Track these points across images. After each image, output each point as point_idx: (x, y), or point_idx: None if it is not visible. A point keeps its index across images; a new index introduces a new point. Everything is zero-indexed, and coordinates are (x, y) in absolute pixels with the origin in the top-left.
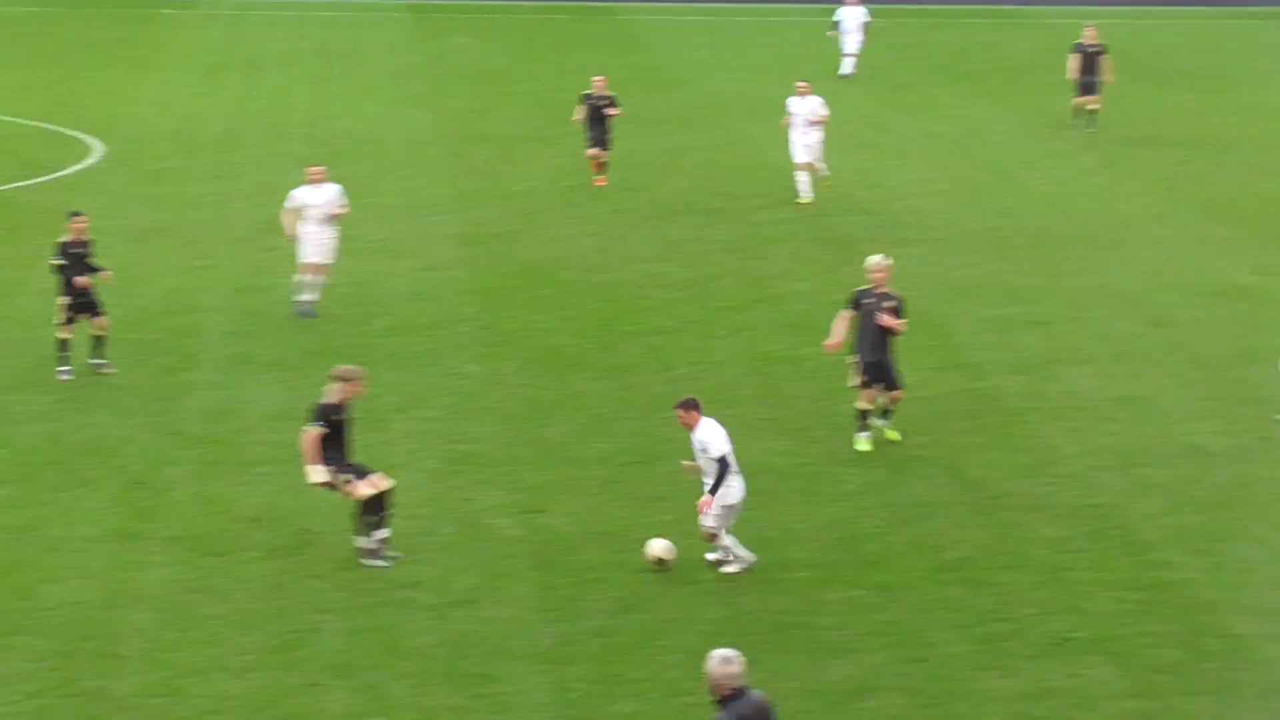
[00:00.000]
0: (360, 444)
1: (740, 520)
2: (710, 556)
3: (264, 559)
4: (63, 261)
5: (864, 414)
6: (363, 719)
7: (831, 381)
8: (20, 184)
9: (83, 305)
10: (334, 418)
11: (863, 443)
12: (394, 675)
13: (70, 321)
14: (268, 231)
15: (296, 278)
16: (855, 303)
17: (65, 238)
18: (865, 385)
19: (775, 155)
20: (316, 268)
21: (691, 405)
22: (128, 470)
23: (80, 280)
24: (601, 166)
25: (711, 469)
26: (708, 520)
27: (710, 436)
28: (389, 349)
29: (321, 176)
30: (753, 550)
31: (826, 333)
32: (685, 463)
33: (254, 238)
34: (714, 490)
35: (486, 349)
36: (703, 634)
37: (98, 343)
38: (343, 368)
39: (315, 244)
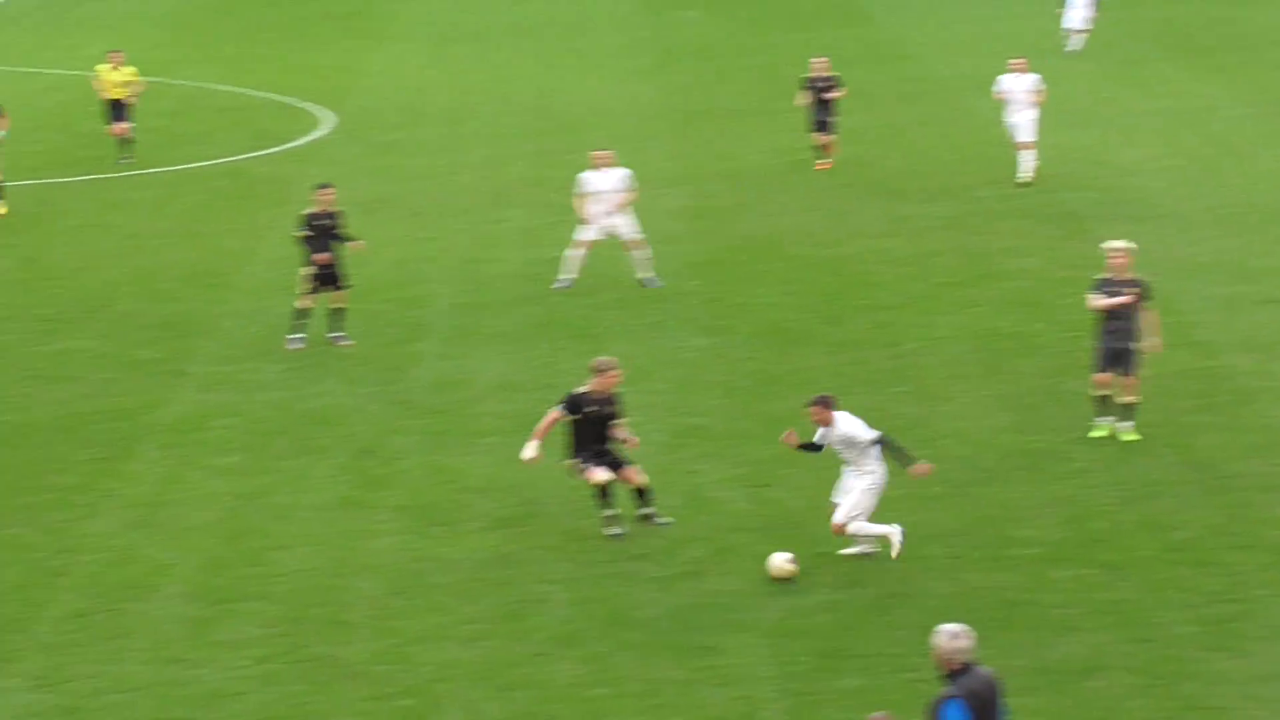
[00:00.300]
0: None
1: (966, 498)
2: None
3: (491, 529)
4: (307, 232)
5: (1102, 399)
6: (588, 689)
7: (1059, 359)
8: (252, 155)
9: (326, 277)
10: (585, 409)
11: (1100, 429)
12: (619, 646)
13: (313, 292)
14: (495, 204)
15: (568, 252)
16: (1098, 290)
17: (311, 209)
18: (1102, 369)
19: (1001, 131)
20: (589, 247)
21: (828, 403)
22: (356, 439)
23: (320, 255)
24: (826, 149)
25: (866, 456)
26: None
27: (854, 427)
28: (615, 322)
29: (608, 161)
30: (980, 528)
31: (1054, 309)
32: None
33: (481, 209)
34: (907, 464)
35: (712, 323)
36: (929, 610)
37: (335, 315)
38: (597, 359)
39: (600, 226)
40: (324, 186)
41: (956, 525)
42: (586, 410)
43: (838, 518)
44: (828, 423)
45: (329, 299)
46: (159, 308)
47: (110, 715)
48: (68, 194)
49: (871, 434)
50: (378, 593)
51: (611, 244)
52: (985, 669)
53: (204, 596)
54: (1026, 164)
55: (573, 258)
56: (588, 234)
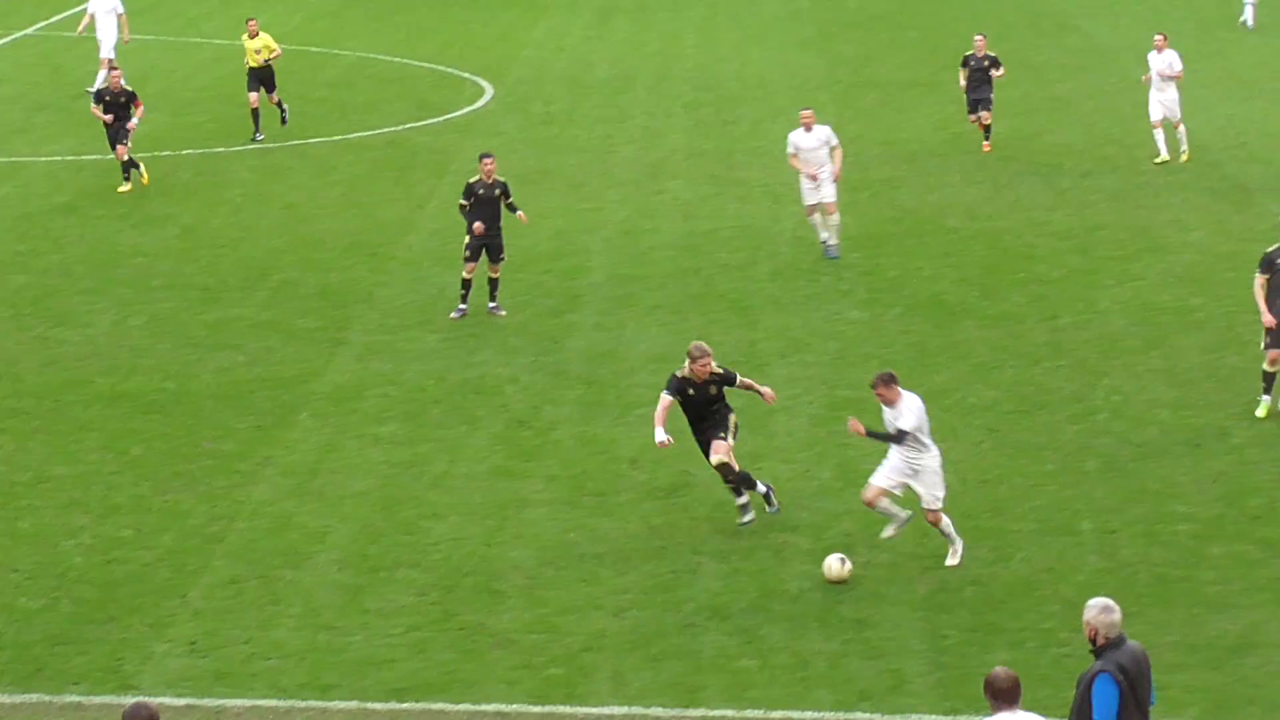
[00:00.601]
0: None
1: (1122, 473)
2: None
3: (642, 500)
4: (466, 202)
5: (1269, 377)
6: (736, 660)
7: (1221, 334)
8: (413, 125)
9: (484, 247)
10: (686, 391)
11: (1262, 406)
12: (769, 618)
13: (472, 259)
14: (654, 175)
15: (810, 219)
16: (1267, 264)
17: (473, 178)
18: (1269, 345)
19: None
20: (816, 209)
21: (891, 380)
22: (510, 409)
23: (479, 225)
24: (986, 130)
25: (923, 433)
26: (936, 504)
27: (906, 410)
28: (772, 293)
29: (812, 120)
30: (1135, 503)
31: (1217, 284)
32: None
33: (640, 181)
34: (874, 434)
35: (869, 295)
36: (1080, 585)
37: (492, 286)
38: (692, 346)
39: (811, 187)
40: (486, 156)
41: (1111, 501)
42: (687, 394)
43: (932, 506)
44: (892, 401)
45: (486, 269)
46: (318, 277)
47: (261, 681)
48: (229, 164)
49: (903, 425)
50: (529, 562)
51: (771, 218)
52: (1135, 644)
53: (357, 564)
54: (1182, 142)
55: (814, 222)
56: (809, 197)
